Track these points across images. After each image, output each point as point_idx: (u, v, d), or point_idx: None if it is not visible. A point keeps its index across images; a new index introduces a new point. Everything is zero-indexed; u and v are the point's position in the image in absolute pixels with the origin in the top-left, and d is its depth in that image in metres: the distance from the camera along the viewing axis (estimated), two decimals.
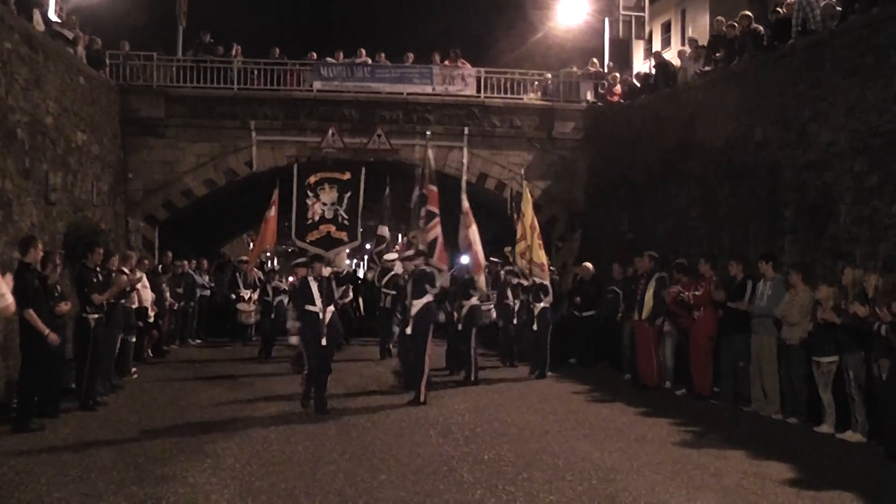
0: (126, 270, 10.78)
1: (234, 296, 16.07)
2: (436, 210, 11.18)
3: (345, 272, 10.50)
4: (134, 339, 11.36)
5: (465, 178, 17.07)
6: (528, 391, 10.44)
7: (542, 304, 12.00)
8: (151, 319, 12.41)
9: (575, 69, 19.80)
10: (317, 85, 18.33)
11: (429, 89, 18.59)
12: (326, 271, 9.29)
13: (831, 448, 7.83)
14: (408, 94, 18.51)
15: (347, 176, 10.99)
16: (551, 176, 18.65)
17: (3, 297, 5.35)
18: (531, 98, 19.12)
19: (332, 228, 10.83)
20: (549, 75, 19.66)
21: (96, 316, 8.93)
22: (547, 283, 12.11)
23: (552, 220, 18.80)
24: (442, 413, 9.11)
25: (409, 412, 9.14)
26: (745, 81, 13.05)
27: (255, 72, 18.25)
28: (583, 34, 23.24)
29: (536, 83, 19.49)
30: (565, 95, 19.01)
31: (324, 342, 8.96)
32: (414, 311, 9.90)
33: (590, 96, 19.05)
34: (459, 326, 11.65)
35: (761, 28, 13.25)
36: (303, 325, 9.16)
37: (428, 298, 9.92)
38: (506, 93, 18.81)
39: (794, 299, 8.88)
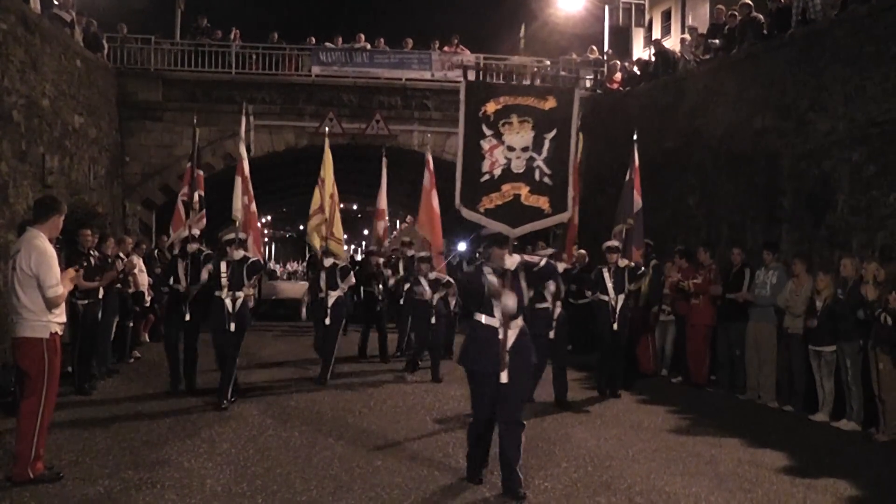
0: (122, 255, 10.77)
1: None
2: (203, 194, 10.19)
3: (542, 263, 6.01)
4: (132, 324, 11.37)
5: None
6: None
7: (337, 293, 10.22)
8: (148, 304, 12.40)
9: (574, 56, 19.73)
10: (315, 70, 18.27)
11: (427, 75, 18.56)
12: (511, 261, 5.66)
13: (826, 436, 7.88)
14: (406, 79, 18.46)
15: (551, 103, 6.20)
16: None
17: (54, 288, 5.58)
18: None
19: (524, 190, 6.11)
20: (549, 62, 19.59)
21: (85, 301, 8.87)
22: (347, 264, 10.97)
23: None
24: (438, 399, 9.13)
25: (405, 398, 9.15)
26: (745, 70, 13.01)
27: (254, 56, 18.19)
28: (582, 21, 23.17)
29: (535, 70, 19.40)
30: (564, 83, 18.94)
31: (504, 378, 5.48)
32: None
33: (589, 84, 19.00)
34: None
35: (761, 17, 13.20)
36: (469, 347, 5.80)
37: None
38: (505, 80, 18.70)
39: (797, 288, 8.89)
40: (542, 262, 5.84)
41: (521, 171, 6.11)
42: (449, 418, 8.09)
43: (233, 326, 8.44)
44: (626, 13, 22.48)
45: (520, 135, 6.13)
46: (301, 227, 50.97)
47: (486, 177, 6.10)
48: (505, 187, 6.08)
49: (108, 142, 16.10)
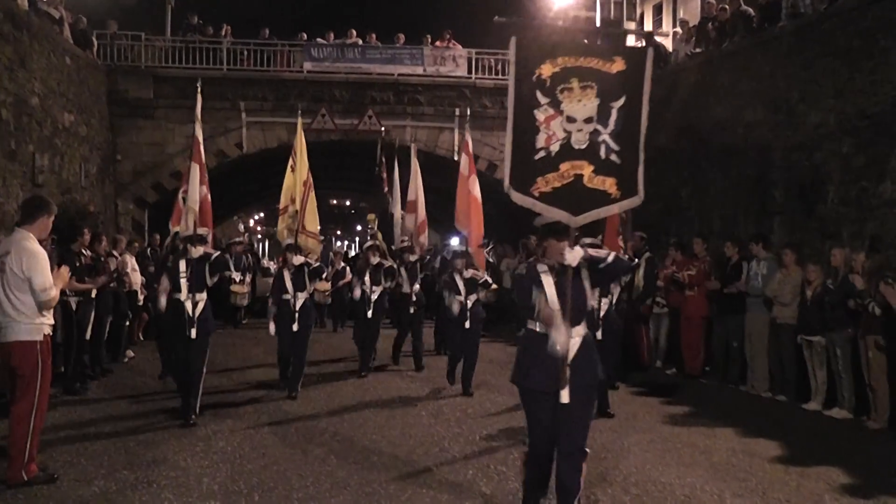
0: (116, 254, 10.75)
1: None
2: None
3: (610, 259, 4.84)
4: (126, 323, 11.34)
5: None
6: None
7: (304, 295, 9.06)
8: (141, 302, 12.37)
9: None
10: (307, 66, 18.25)
11: (420, 70, 18.57)
12: (573, 256, 4.62)
13: (819, 424, 7.96)
14: (399, 75, 18.46)
15: (619, 65, 5.03)
16: None
17: (47, 291, 5.54)
18: None
19: (588, 170, 4.97)
20: None
21: (78, 299, 8.80)
22: (321, 264, 9.70)
23: None
24: (433, 394, 9.15)
25: (400, 395, 9.17)
26: (736, 63, 13.05)
27: (245, 52, 18.17)
28: (574, 15, 23.12)
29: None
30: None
31: (564, 397, 4.56)
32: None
33: None
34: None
35: (751, 10, 13.25)
36: (523, 361, 4.83)
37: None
38: (497, 74, 18.77)
39: (786, 279, 8.97)
40: (611, 258, 4.76)
41: (584, 146, 4.94)
42: (445, 414, 8.11)
43: (193, 333, 7.54)
44: (618, 7, 22.46)
45: (582, 103, 4.97)
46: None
47: (542, 154, 4.92)
48: (564, 166, 4.92)
49: (99, 140, 16.04)
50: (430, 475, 5.96)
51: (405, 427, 7.47)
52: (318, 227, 9.78)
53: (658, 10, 24.79)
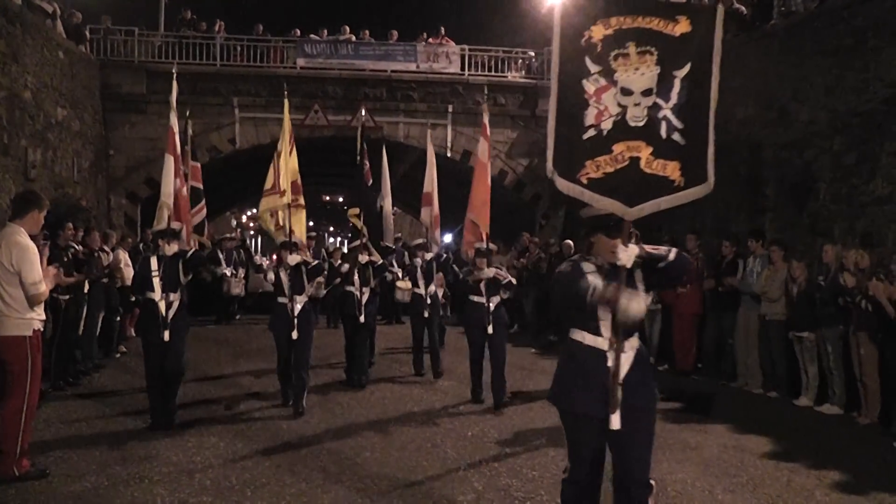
0: (107, 249, 10.72)
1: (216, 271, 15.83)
2: (200, 185, 9.63)
3: (671, 257, 4.18)
4: (119, 319, 11.33)
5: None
6: (510, 369, 10.54)
7: (303, 297, 8.18)
8: (134, 298, 12.33)
9: None
10: (300, 62, 18.25)
11: (413, 67, 18.59)
12: (627, 255, 3.96)
13: (810, 420, 8.01)
14: (392, 71, 18.46)
15: (684, 26, 4.28)
16: (535, 154, 18.71)
17: (37, 285, 5.54)
18: (515, 76, 19.12)
19: (646, 152, 4.14)
20: (533, 53, 19.64)
21: (66, 297, 8.72)
22: (319, 262, 8.83)
23: (536, 198, 18.85)
24: (426, 390, 9.17)
25: (393, 390, 9.19)
26: (727, 61, 12.95)
27: (238, 48, 18.15)
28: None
29: (521, 61, 19.46)
30: (549, 73, 18.95)
31: (615, 422, 3.76)
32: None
33: None
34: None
35: (743, 8, 13.30)
36: (564, 378, 4.07)
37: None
38: (490, 71, 18.79)
39: (773, 275, 9.02)
40: (672, 255, 4.04)
41: (641, 124, 4.13)
42: (437, 409, 8.13)
43: (166, 335, 7.08)
44: None
45: (639, 72, 4.14)
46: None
47: (591, 132, 4.12)
48: (617, 148, 4.10)
49: (92, 135, 15.99)
50: (423, 471, 5.98)
51: (397, 424, 7.48)
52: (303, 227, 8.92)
53: None
